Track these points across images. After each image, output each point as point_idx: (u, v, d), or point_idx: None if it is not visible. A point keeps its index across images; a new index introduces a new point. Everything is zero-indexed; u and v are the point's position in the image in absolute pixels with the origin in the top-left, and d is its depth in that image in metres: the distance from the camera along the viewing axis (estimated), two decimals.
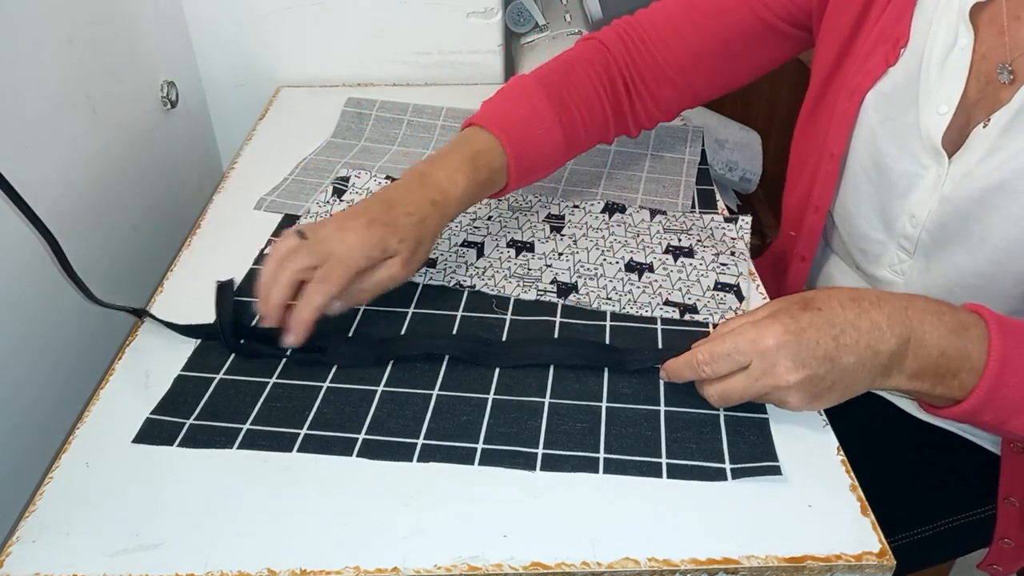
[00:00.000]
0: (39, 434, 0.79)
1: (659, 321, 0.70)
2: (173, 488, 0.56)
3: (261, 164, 0.95)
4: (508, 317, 0.71)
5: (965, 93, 0.66)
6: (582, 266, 0.76)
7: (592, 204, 0.85)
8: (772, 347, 0.56)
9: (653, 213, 0.83)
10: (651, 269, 0.76)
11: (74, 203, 0.87)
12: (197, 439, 0.59)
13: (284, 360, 0.65)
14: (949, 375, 0.57)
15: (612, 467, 0.57)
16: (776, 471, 0.56)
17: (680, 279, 0.75)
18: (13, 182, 0.64)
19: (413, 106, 1.05)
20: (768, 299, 0.73)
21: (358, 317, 0.70)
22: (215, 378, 0.64)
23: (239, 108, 1.19)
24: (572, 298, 0.72)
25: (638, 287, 0.74)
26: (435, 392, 0.63)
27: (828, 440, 0.59)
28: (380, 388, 0.63)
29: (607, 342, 0.68)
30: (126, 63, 0.99)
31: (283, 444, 0.59)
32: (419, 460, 0.58)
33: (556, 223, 0.82)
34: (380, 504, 0.55)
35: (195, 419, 0.61)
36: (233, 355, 0.66)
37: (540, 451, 0.58)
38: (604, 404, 0.62)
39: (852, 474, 0.57)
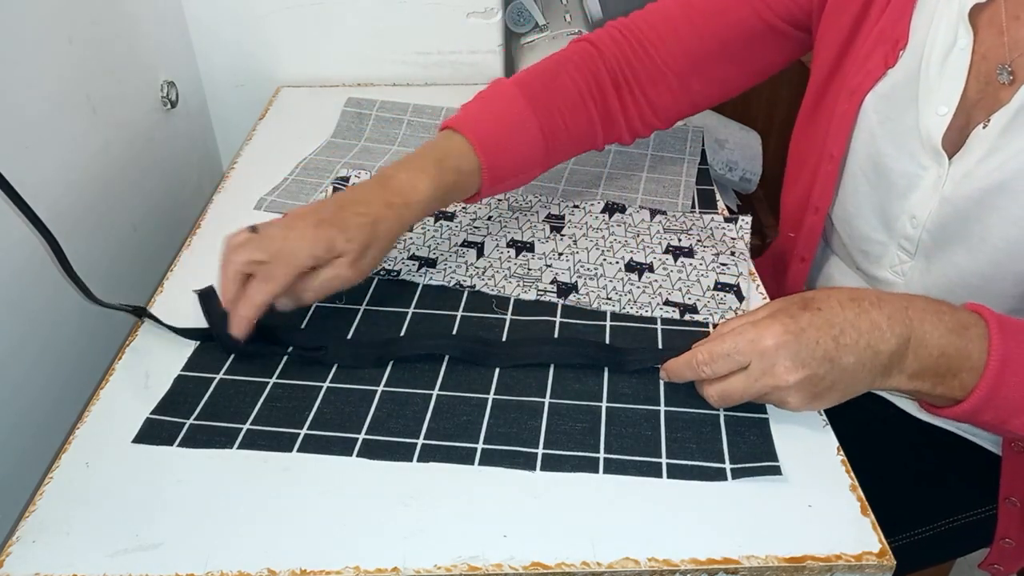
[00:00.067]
0: (39, 434, 0.79)
1: (659, 321, 0.70)
2: (173, 488, 0.56)
3: (261, 164, 0.95)
4: (508, 317, 0.71)
5: (965, 94, 0.65)
6: (582, 266, 0.76)
7: (592, 204, 0.85)
8: (771, 347, 0.56)
9: (653, 213, 0.83)
10: (651, 269, 0.76)
11: (74, 203, 0.87)
12: (197, 439, 0.59)
13: (284, 360, 0.65)
14: (949, 375, 0.57)
15: (612, 467, 0.57)
16: (776, 471, 0.56)
17: (680, 279, 0.75)
18: (13, 182, 0.64)
19: (413, 106, 1.05)
20: (768, 299, 0.73)
21: (358, 317, 0.70)
22: (215, 378, 0.64)
23: (239, 108, 1.20)
24: (572, 298, 0.72)
25: (638, 287, 0.74)
26: (435, 392, 0.63)
27: (828, 440, 0.59)
28: (380, 388, 0.63)
29: (607, 342, 0.68)
30: (126, 63, 0.99)
31: (283, 444, 0.59)
32: (419, 460, 0.58)
33: (556, 223, 0.82)
34: (380, 504, 0.55)
35: (195, 419, 0.61)
36: (233, 355, 0.66)
37: (540, 451, 0.58)
38: (604, 404, 0.62)
39: (852, 474, 0.57)
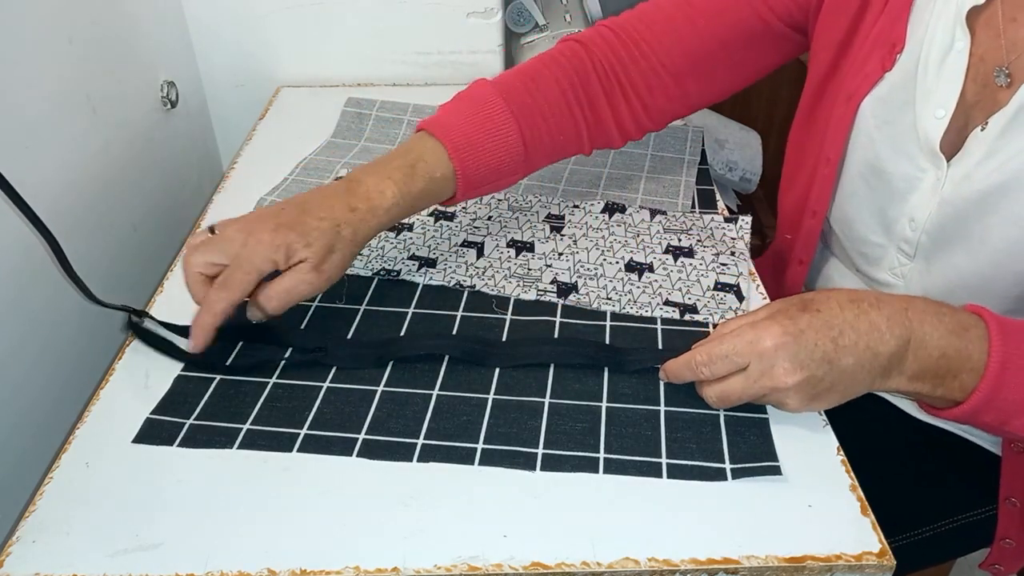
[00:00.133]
0: (39, 434, 0.79)
1: (659, 321, 0.70)
2: (173, 488, 0.56)
3: (261, 164, 0.95)
4: (508, 317, 0.71)
5: (962, 96, 0.65)
6: (582, 266, 0.76)
7: (592, 204, 0.85)
8: (770, 348, 0.56)
9: (653, 213, 0.83)
10: (651, 269, 0.76)
11: (74, 203, 0.87)
12: (197, 439, 0.59)
13: (284, 361, 0.65)
14: (949, 376, 0.57)
15: (612, 467, 0.57)
16: (776, 471, 0.56)
17: (680, 279, 0.75)
18: (13, 182, 0.64)
19: (413, 106, 1.05)
20: (768, 299, 0.73)
21: (358, 317, 0.70)
22: (215, 378, 0.64)
23: (239, 108, 1.20)
24: (572, 298, 0.72)
25: (638, 287, 0.74)
26: (435, 392, 0.63)
27: (828, 440, 0.59)
28: (380, 388, 0.63)
29: (607, 342, 0.68)
30: (126, 63, 0.99)
31: (283, 444, 0.59)
32: (419, 460, 0.58)
33: (556, 223, 0.82)
34: (380, 504, 0.55)
35: (195, 419, 0.61)
36: (233, 354, 0.66)
37: (540, 451, 0.58)
38: (604, 404, 0.62)
39: (852, 474, 0.57)
